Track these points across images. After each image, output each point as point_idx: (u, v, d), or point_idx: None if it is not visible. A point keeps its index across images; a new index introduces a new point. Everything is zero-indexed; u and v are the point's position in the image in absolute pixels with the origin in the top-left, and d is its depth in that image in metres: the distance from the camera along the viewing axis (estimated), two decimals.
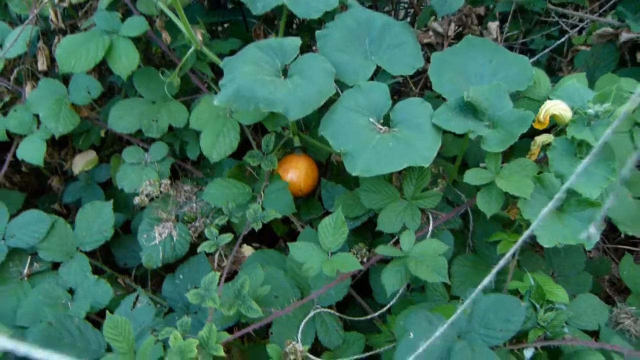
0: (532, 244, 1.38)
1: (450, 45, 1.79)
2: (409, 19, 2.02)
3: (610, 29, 1.64)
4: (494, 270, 0.60)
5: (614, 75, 1.45)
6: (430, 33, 1.80)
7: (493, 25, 1.78)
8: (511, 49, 1.87)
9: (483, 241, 1.34)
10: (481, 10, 1.77)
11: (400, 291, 1.27)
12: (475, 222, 1.38)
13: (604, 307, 1.26)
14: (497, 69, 1.34)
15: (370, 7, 1.91)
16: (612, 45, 1.67)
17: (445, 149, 1.51)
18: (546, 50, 1.73)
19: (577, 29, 1.73)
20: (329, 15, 1.47)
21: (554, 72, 1.84)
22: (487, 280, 0.64)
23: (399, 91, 1.88)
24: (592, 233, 0.61)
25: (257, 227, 1.32)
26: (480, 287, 0.64)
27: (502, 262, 0.61)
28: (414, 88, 1.81)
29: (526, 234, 0.74)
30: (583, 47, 1.74)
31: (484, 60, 1.36)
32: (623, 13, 1.49)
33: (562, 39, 1.74)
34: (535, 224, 0.67)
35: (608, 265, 1.69)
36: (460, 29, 1.83)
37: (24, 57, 1.56)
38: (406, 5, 2.04)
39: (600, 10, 1.76)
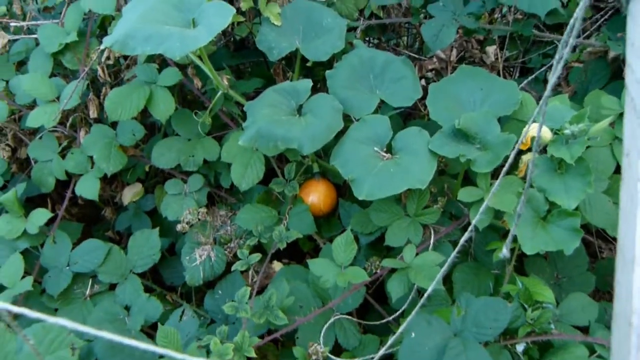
0: None
1: (454, 68, 1.95)
2: (417, 46, 2.19)
3: (599, 47, 1.77)
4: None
5: (601, 91, 1.58)
6: (435, 59, 1.97)
7: (491, 49, 1.94)
8: (512, 68, 2.02)
9: (482, 250, 1.50)
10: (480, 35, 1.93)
11: (410, 297, 1.44)
12: (475, 233, 1.53)
13: (593, 305, 1.39)
14: (488, 95, 1.49)
15: (378, 40, 2.10)
16: (602, 61, 1.79)
17: (450, 167, 1.67)
18: (543, 69, 1.87)
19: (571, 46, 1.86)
20: (338, 55, 1.67)
21: (554, 88, 1.98)
22: None
23: (410, 114, 2.05)
24: (505, 253, 0.77)
25: (282, 246, 1.51)
26: None
27: None
28: (422, 110, 1.98)
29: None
30: (577, 64, 1.87)
31: (475, 88, 1.51)
32: (606, 35, 1.62)
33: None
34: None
35: None
36: (463, 53, 2.00)
37: (77, 107, 1.80)
38: (414, 32, 2.22)
39: (592, 28, 1.89)
